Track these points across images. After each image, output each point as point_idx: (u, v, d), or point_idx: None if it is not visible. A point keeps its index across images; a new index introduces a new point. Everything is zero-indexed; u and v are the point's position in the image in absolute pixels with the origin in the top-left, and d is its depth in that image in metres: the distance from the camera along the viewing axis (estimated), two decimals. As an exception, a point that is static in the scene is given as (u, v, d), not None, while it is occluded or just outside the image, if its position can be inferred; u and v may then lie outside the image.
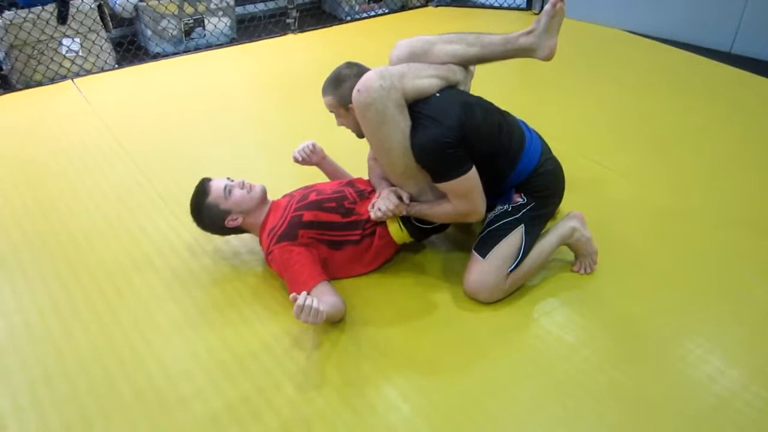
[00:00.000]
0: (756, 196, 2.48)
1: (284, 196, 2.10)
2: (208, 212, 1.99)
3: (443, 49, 1.93)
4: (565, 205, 2.13)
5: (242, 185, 2.00)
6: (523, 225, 1.90)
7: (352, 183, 2.10)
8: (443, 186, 1.80)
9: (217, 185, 2.00)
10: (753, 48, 3.90)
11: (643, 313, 1.90)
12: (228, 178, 2.03)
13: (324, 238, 1.94)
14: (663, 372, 1.70)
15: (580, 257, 2.05)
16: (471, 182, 1.79)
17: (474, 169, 1.78)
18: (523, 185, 1.93)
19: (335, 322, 1.85)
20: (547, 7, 1.89)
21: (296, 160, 2.21)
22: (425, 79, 1.83)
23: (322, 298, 1.77)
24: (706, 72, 3.71)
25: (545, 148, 2.01)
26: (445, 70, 1.89)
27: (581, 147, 2.76)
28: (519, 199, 1.93)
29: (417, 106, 1.79)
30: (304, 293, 1.63)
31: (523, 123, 2.03)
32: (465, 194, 1.81)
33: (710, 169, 2.67)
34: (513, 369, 1.72)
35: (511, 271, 1.88)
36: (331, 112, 1.96)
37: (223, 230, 2.04)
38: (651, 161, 2.73)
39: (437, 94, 1.84)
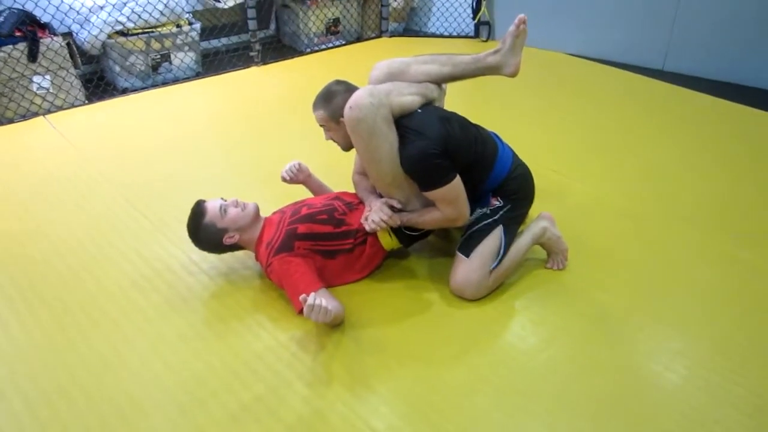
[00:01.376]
0: (699, 196, 2.75)
1: (275, 213, 2.23)
2: (205, 232, 2.10)
3: (419, 69, 2.12)
4: (534, 211, 2.33)
5: (236, 203, 2.12)
6: (501, 226, 2.08)
7: (339, 197, 2.25)
8: (431, 194, 1.97)
9: (212, 206, 2.11)
10: (682, 65, 4.27)
11: (612, 301, 2.11)
12: (221, 198, 2.15)
13: (318, 249, 2.08)
14: (636, 350, 1.90)
15: (552, 255, 2.25)
16: (456, 189, 1.96)
17: (458, 177, 1.96)
18: (499, 189, 2.13)
19: (336, 325, 1.98)
20: (511, 28, 2.12)
21: (284, 179, 2.35)
22: (408, 97, 2.01)
23: (332, 301, 1.93)
24: (644, 88, 4.04)
25: (515, 156, 2.21)
26: (423, 88, 2.08)
27: (541, 159, 2.98)
28: (496, 203, 2.12)
29: (402, 121, 1.97)
30: (312, 294, 1.76)
31: (494, 134, 2.23)
32: (452, 201, 1.98)
33: (656, 174, 2.94)
34: (500, 356, 1.88)
35: (493, 268, 2.06)
36: (321, 126, 2.12)
37: (220, 248, 2.15)
38: (604, 169, 2.98)
39: (419, 110, 2.02)
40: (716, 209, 2.65)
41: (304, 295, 1.76)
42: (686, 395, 1.74)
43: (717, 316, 2.05)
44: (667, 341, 1.94)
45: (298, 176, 2.36)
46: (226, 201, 2.13)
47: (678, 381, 1.79)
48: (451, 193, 1.96)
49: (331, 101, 2.04)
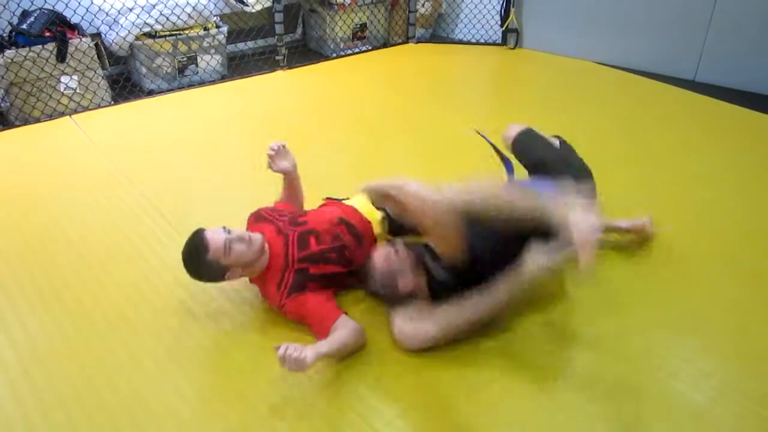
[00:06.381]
0: (729, 210, 2.67)
1: (273, 227, 2.07)
2: (208, 268, 1.93)
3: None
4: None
5: (241, 238, 1.92)
6: None
7: (344, 219, 2.11)
8: None
9: (216, 241, 1.89)
10: (714, 76, 4.17)
11: (637, 314, 2.05)
12: (224, 228, 1.94)
13: (331, 284, 2.02)
14: (661, 368, 1.84)
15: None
16: None
17: None
18: None
19: (356, 350, 1.89)
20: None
21: (270, 166, 2.25)
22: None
23: (337, 332, 1.84)
24: (674, 99, 3.96)
25: None
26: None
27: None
28: None
29: None
30: (284, 345, 1.64)
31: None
32: None
33: (685, 186, 2.87)
34: (523, 371, 1.85)
35: None
36: None
37: (220, 281, 2.00)
38: (631, 181, 2.91)
39: None
40: (748, 224, 2.57)
41: (275, 346, 1.65)
42: (714, 418, 1.68)
43: (748, 335, 1.98)
44: (695, 360, 1.88)
45: (279, 162, 2.23)
46: (229, 233, 1.92)
47: (705, 402, 1.73)
48: None
49: None
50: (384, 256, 1.94)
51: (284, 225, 2.08)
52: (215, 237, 1.90)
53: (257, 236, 1.97)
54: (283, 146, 2.25)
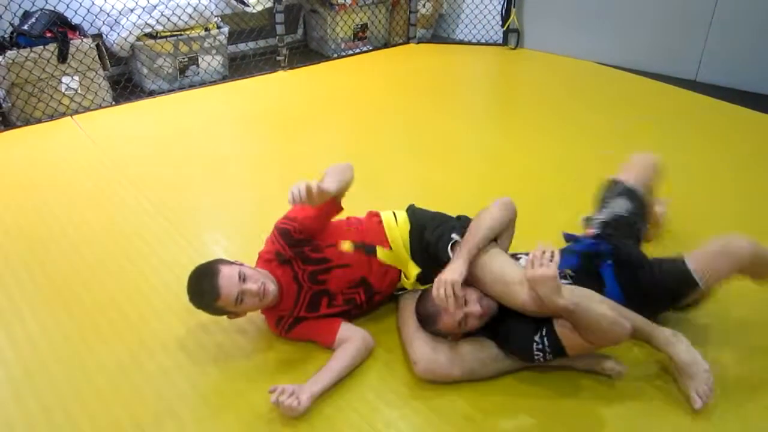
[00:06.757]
0: (732, 212, 2.68)
1: (291, 273, 1.90)
2: (213, 311, 1.83)
3: None
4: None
5: (255, 294, 1.77)
6: None
7: (366, 281, 1.97)
8: None
9: (229, 292, 1.74)
10: (715, 76, 4.16)
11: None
12: (239, 274, 1.77)
13: None
14: (654, 377, 1.84)
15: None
16: None
17: None
18: None
19: (364, 360, 1.87)
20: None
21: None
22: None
23: (341, 351, 1.83)
24: (675, 99, 3.95)
25: None
26: None
27: (566, 171, 2.92)
28: None
29: None
30: (278, 390, 1.65)
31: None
32: None
33: (689, 189, 2.86)
34: (525, 375, 1.85)
35: None
36: None
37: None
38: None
39: None
40: (748, 224, 2.56)
41: (270, 389, 1.67)
42: (713, 417, 1.67)
43: (748, 335, 1.98)
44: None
45: (309, 201, 1.76)
46: (244, 281, 1.76)
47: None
48: None
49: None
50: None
51: (303, 276, 1.91)
52: (229, 287, 1.74)
53: (271, 291, 1.82)
54: (314, 190, 1.74)
